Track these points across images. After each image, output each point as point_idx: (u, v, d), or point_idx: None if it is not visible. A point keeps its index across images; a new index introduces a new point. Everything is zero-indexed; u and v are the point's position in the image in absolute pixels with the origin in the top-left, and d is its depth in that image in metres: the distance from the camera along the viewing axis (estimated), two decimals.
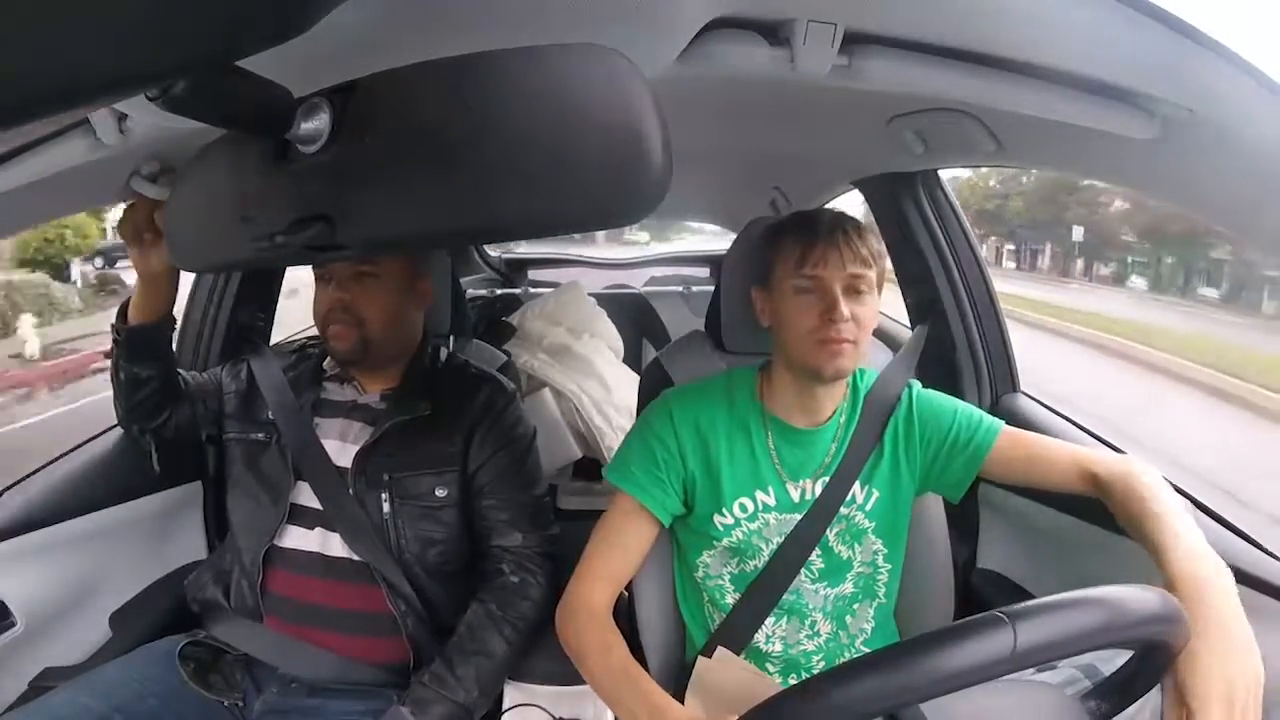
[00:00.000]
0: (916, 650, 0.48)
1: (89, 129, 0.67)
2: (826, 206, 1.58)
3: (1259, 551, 0.81)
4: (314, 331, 1.05)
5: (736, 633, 0.89)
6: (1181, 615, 0.53)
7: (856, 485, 0.88)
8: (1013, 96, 0.68)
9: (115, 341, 0.98)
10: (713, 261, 3.06)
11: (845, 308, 0.79)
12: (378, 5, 0.46)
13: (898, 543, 0.92)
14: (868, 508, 0.89)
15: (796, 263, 0.82)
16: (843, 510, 0.88)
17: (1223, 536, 0.83)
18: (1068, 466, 0.82)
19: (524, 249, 3.36)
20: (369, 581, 0.95)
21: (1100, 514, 0.80)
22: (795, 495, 0.88)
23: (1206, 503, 0.89)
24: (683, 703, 0.84)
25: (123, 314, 0.98)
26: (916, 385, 0.94)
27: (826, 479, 0.88)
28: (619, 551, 0.88)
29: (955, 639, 0.48)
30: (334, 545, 0.96)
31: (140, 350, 0.98)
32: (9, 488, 1.06)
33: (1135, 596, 0.51)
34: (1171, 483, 0.84)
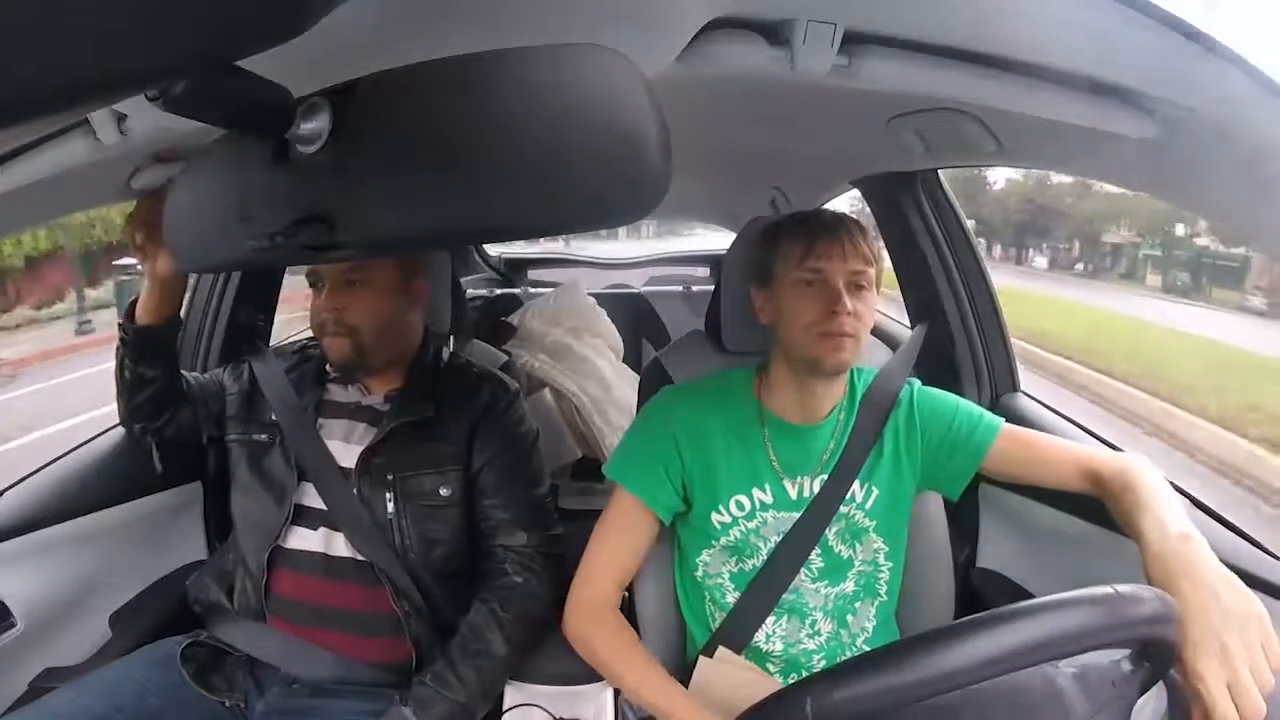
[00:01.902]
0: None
1: (89, 129, 0.67)
2: (825, 207, 1.58)
3: (1259, 551, 0.81)
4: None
5: (737, 632, 0.89)
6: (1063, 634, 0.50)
7: (856, 483, 0.88)
8: (1013, 96, 0.68)
9: (122, 340, 0.98)
10: (713, 261, 3.06)
11: (848, 301, 0.80)
12: (378, 5, 0.46)
13: (899, 541, 0.92)
14: (867, 506, 0.89)
15: (800, 257, 0.83)
16: (842, 509, 0.88)
17: (1223, 536, 0.83)
18: (1068, 464, 0.83)
19: (524, 249, 3.36)
20: (372, 582, 0.95)
21: (1100, 513, 0.80)
22: (793, 493, 0.88)
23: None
24: None
25: (130, 313, 0.98)
26: (917, 383, 0.94)
27: (824, 476, 0.88)
28: (621, 549, 0.88)
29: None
30: (338, 545, 0.96)
31: (146, 350, 0.98)
32: (9, 488, 1.06)
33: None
34: (1173, 483, 0.84)
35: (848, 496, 0.88)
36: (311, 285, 0.98)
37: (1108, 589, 0.51)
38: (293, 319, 1.86)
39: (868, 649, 0.90)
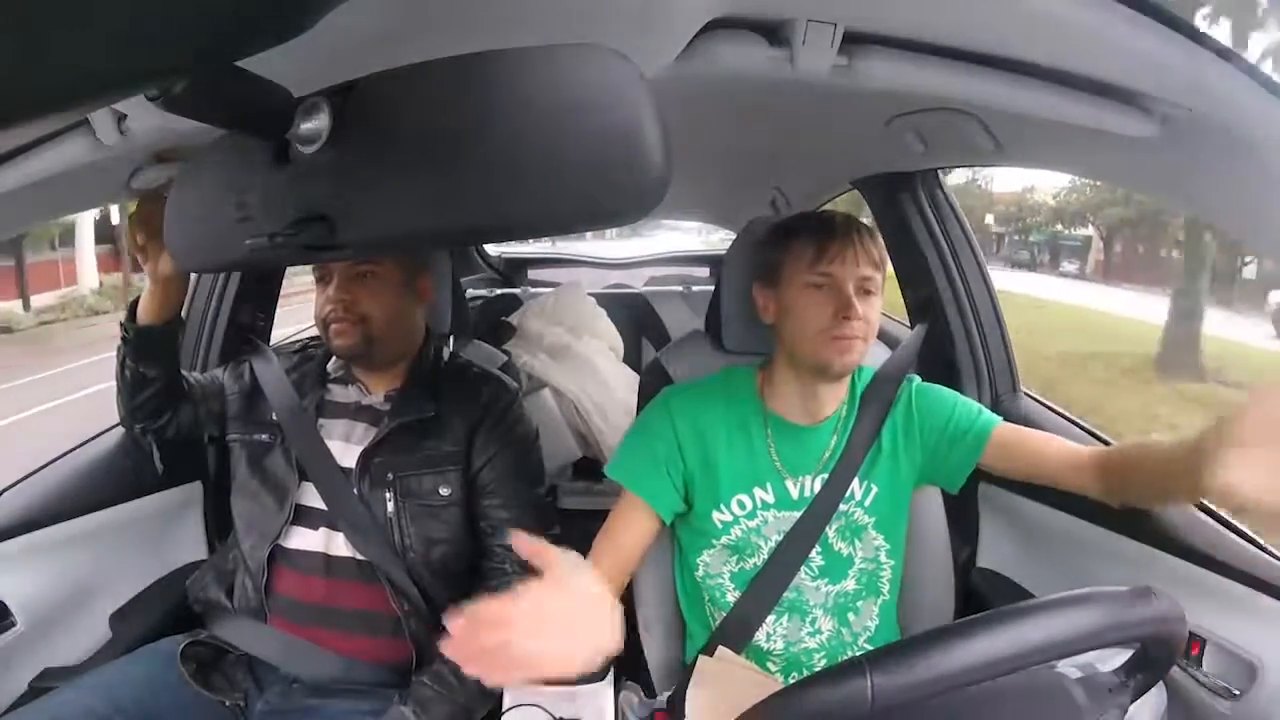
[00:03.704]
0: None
1: (89, 129, 0.67)
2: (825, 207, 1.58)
3: (1259, 551, 0.81)
4: (314, 331, 1.05)
5: (737, 631, 0.89)
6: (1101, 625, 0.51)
7: (855, 481, 0.88)
8: (1013, 96, 0.68)
9: (123, 340, 0.98)
10: (712, 261, 3.06)
11: (858, 306, 0.81)
12: (378, 5, 0.46)
13: (899, 538, 0.92)
14: (866, 503, 0.89)
15: (811, 259, 0.83)
16: (841, 506, 0.88)
17: (1223, 536, 0.83)
18: (1069, 458, 0.82)
19: (523, 249, 3.36)
20: (372, 581, 0.95)
21: (1100, 514, 0.80)
22: (795, 492, 0.88)
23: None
24: (683, 703, 0.84)
25: (132, 313, 0.98)
26: (915, 379, 0.94)
27: (825, 475, 0.88)
28: (619, 547, 0.88)
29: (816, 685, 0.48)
30: (338, 545, 0.96)
31: (147, 350, 0.99)
32: (9, 488, 1.06)
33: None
34: None
35: (847, 494, 0.88)
36: (317, 280, 0.99)
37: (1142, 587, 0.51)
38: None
39: (870, 648, 0.90)
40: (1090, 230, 20.03)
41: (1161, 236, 16.82)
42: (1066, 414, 1.18)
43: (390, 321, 0.98)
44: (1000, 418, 0.89)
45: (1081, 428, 1.13)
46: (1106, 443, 1.05)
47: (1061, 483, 0.82)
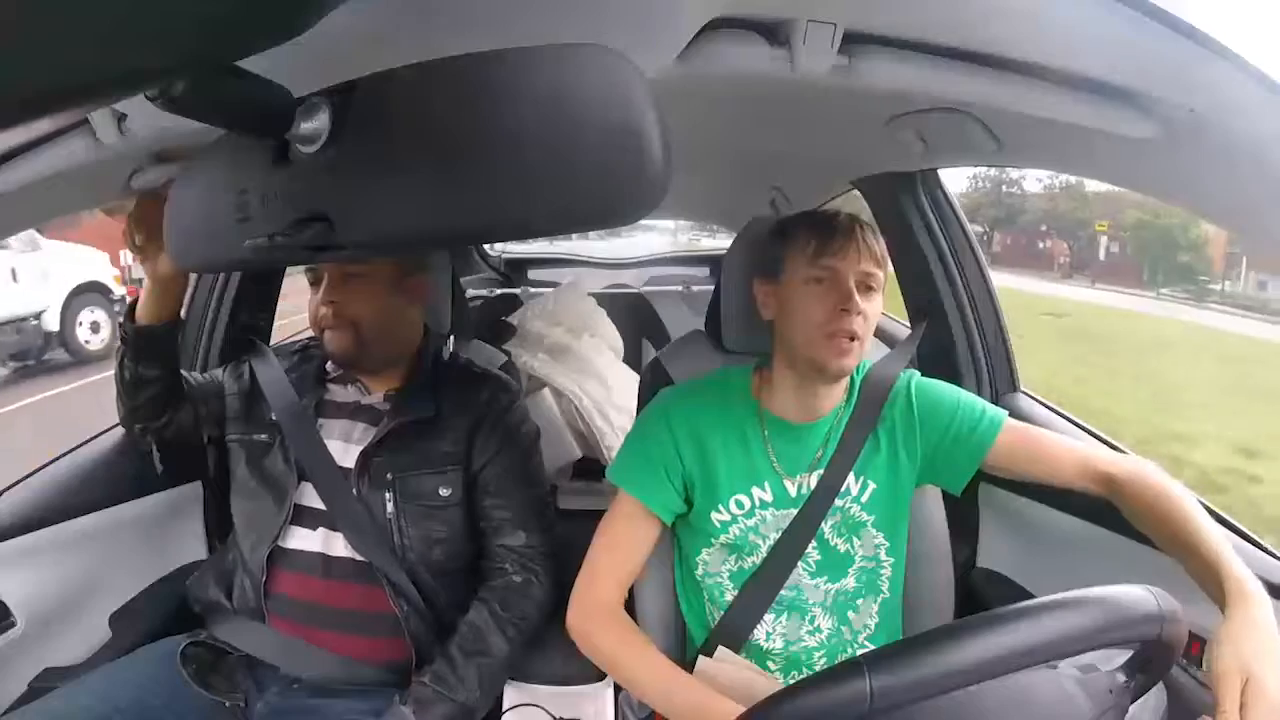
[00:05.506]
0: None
1: (89, 129, 0.67)
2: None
3: (1259, 551, 0.81)
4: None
5: (735, 629, 0.89)
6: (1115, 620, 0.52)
7: (851, 477, 0.88)
8: (1013, 96, 0.68)
9: (122, 340, 0.98)
10: (713, 261, 3.06)
11: (859, 301, 0.81)
12: (378, 5, 0.46)
13: (899, 536, 0.92)
14: (864, 500, 0.89)
15: (814, 253, 0.83)
16: (837, 502, 0.88)
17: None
18: (1073, 463, 0.82)
19: (523, 249, 3.37)
20: (372, 581, 0.95)
21: (1100, 514, 0.80)
22: (792, 490, 0.88)
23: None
24: None
25: (130, 314, 0.98)
26: (915, 375, 0.94)
27: (820, 471, 0.88)
28: (624, 551, 0.88)
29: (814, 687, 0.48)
30: (337, 545, 0.96)
31: (147, 351, 0.98)
32: (9, 488, 1.06)
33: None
34: None
35: (843, 490, 0.88)
36: (310, 284, 0.99)
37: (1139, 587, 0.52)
38: None
39: (870, 646, 0.90)
40: (981, 227, 24.37)
41: (1033, 229, 21.39)
42: (1067, 414, 1.18)
43: (380, 324, 0.98)
44: (1005, 414, 0.88)
45: (1082, 428, 1.13)
46: (1109, 444, 1.05)
47: (1066, 485, 0.83)
